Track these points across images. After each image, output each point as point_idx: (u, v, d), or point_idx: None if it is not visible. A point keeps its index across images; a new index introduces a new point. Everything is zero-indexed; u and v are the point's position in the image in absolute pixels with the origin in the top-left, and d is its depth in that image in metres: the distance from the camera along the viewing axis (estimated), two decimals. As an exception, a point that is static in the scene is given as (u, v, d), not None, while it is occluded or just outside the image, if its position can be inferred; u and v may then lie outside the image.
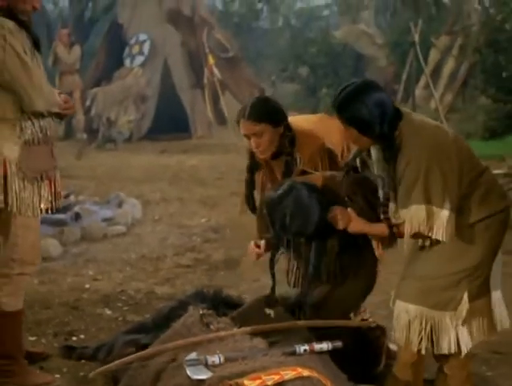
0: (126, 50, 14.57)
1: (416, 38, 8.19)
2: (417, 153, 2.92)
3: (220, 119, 14.63)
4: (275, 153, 3.60)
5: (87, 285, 5.17)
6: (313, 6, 28.63)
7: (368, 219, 3.18)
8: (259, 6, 26.03)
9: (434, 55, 12.97)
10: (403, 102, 11.09)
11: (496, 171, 6.67)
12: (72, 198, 7.18)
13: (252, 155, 3.76)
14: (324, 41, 18.18)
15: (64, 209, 6.87)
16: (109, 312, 4.62)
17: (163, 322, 3.78)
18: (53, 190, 3.57)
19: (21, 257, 3.53)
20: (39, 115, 3.45)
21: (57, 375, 3.67)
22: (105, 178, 9.61)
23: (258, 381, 2.73)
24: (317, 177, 3.43)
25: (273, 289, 3.56)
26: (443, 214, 2.89)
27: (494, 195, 3.05)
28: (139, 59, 14.45)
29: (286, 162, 3.64)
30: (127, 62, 14.54)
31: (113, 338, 3.90)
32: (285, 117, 3.63)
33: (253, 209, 3.83)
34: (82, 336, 4.18)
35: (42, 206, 3.53)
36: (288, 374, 2.79)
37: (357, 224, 3.17)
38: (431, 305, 2.97)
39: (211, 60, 14.66)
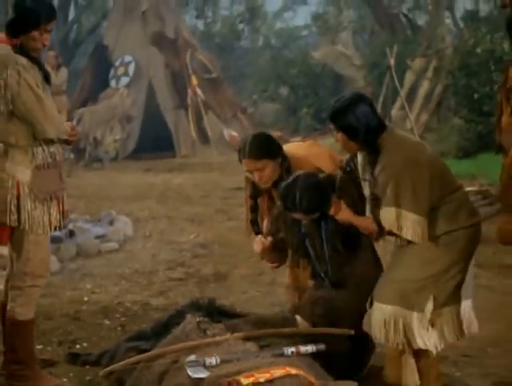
0: (112, 71, 14.99)
1: (392, 62, 8.62)
2: (392, 161, 3.37)
3: (204, 138, 15.01)
4: (275, 182, 4.00)
5: (85, 298, 5.48)
6: (292, 26, 29.27)
7: (357, 211, 3.62)
8: (240, 26, 26.51)
9: (409, 77, 13.45)
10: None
11: (468, 189, 7.09)
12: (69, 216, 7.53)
13: (253, 184, 4.16)
14: (304, 62, 18.64)
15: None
16: (108, 322, 4.95)
17: (161, 329, 4.11)
18: (61, 209, 3.94)
19: (32, 271, 3.85)
20: (49, 142, 3.83)
21: (65, 380, 4.01)
22: (94, 197, 9.93)
23: (251, 378, 3.07)
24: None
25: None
26: (411, 216, 3.31)
27: (464, 211, 3.44)
28: (124, 80, 14.86)
29: None
30: (113, 83, 14.95)
31: (115, 346, 4.21)
32: (281, 148, 4.04)
33: (257, 232, 4.24)
34: (85, 344, 4.49)
35: (51, 224, 3.91)
36: (278, 372, 3.13)
37: (345, 213, 3.61)
38: (403, 305, 3.37)
39: (194, 81, 15.09)
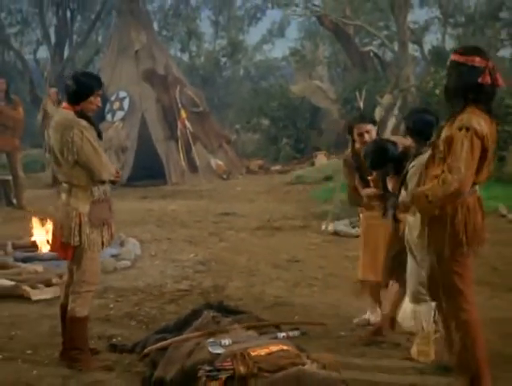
0: (108, 106, 15.90)
1: (361, 104, 9.91)
2: None
3: (192, 167, 15.96)
4: None
5: (111, 305, 6.63)
6: (271, 58, 30.64)
7: None
8: (223, 60, 27.75)
9: (379, 112, 14.72)
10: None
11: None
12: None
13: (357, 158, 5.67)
14: (283, 96, 19.77)
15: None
16: (133, 323, 6.13)
17: (182, 324, 5.36)
18: (110, 232, 5.23)
19: (88, 280, 5.09)
20: (102, 182, 5.11)
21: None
22: None
23: (256, 352, 4.36)
24: None
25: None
26: None
27: None
28: (120, 114, 15.84)
29: None
30: (109, 116, 15.92)
31: (145, 338, 5.45)
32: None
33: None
34: (119, 338, 5.69)
35: (103, 244, 5.19)
36: (274, 348, 4.40)
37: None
38: None
39: (183, 114, 16.06)
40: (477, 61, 4.14)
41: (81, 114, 5.05)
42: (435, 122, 5.00)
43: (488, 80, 4.14)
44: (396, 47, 16.29)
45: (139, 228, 10.39)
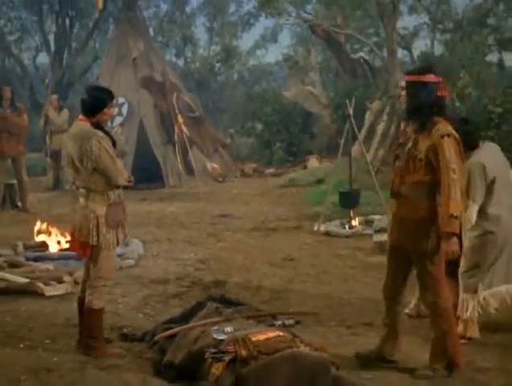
0: None
1: (351, 111, 10.42)
2: None
3: (189, 170, 16.43)
4: None
5: (119, 300, 7.13)
6: (264, 62, 31.15)
7: None
8: (217, 65, 28.27)
9: (368, 117, 15.30)
10: (345, 154, 13.31)
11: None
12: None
13: None
14: (276, 101, 20.28)
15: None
16: (141, 315, 6.65)
17: (187, 315, 5.89)
18: (123, 233, 5.77)
19: (104, 275, 5.59)
20: (118, 187, 5.65)
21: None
22: None
23: (255, 337, 4.90)
24: None
25: None
26: None
27: None
28: (119, 120, 16.23)
29: None
30: (108, 122, 16.39)
31: (153, 328, 5.96)
32: None
33: None
34: (129, 329, 6.22)
35: (118, 243, 5.73)
36: (272, 334, 4.95)
37: None
38: None
39: (180, 120, 16.56)
40: (432, 78, 4.78)
41: (97, 125, 5.58)
42: (475, 130, 5.65)
43: (445, 93, 4.79)
44: (385, 53, 16.81)
45: (140, 229, 10.84)
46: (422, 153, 4.77)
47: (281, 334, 4.95)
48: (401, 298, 5.19)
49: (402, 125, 5.25)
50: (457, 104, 12.50)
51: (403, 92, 4.97)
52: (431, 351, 5.01)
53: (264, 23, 27.99)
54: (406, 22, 26.21)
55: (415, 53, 23.99)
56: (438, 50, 23.63)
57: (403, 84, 5.01)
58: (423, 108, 4.80)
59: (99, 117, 5.58)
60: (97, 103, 5.55)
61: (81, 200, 5.58)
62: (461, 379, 4.97)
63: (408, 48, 24.28)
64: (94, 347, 5.59)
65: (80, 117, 5.63)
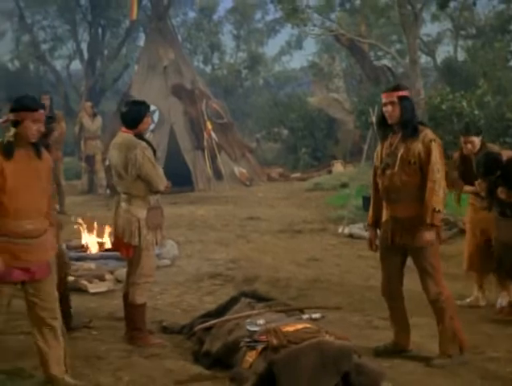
0: None
1: (374, 119, 10.88)
2: None
3: (218, 175, 16.92)
4: None
5: (158, 297, 7.73)
6: (289, 68, 31.61)
7: None
8: (244, 72, 28.81)
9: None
10: (369, 159, 13.73)
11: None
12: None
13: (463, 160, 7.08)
14: (301, 108, 20.73)
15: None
16: (178, 310, 7.21)
17: (222, 310, 6.42)
18: (161, 234, 6.34)
19: (145, 273, 6.14)
20: (157, 192, 6.22)
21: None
22: None
23: (285, 328, 5.43)
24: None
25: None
26: None
27: None
28: (150, 126, 16.89)
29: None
30: None
31: (190, 321, 6.50)
32: None
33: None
34: (169, 322, 6.82)
35: (157, 243, 6.30)
36: (300, 326, 5.47)
37: None
38: None
39: (209, 126, 17.02)
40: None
41: (139, 136, 6.14)
42: None
43: None
44: (407, 60, 17.26)
45: (174, 231, 11.31)
46: (415, 157, 5.38)
47: (308, 325, 5.45)
48: (400, 294, 5.74)
49: (379, 146, 5.78)
50: (476, 112, 12.95)
51: (390, 108, 5.45)
52: (442, 339, 5.53)
53: (289, 30, 28.43)
54: (430, 28, 26.62)
55: (439, 59, 24.37)
56: (461, 56, 24.03)
57: (393, 99, 5.45)
58: (413, 118, 5.48)
59: (140, 127, 6.12)
60: (136, 115, 6.08)
61: (123, 205, 6.06)
62: (472, 367, 5.48)
63: (431, 54, 24.66)
64: (138, 338, 6.12)
65: (123, 129, 6.14)
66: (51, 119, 5.58)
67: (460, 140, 7.16)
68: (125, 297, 6.29)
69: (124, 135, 6.14)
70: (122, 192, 6.15)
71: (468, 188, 7.12)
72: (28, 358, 5.38)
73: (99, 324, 6.73)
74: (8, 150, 4.58)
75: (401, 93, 5.48)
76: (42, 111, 4.76)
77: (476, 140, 7.00)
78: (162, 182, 6.11)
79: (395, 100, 5.42)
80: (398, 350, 5.78)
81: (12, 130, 4.65)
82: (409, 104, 5.47)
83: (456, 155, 7.36)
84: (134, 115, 6.08)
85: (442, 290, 5.50)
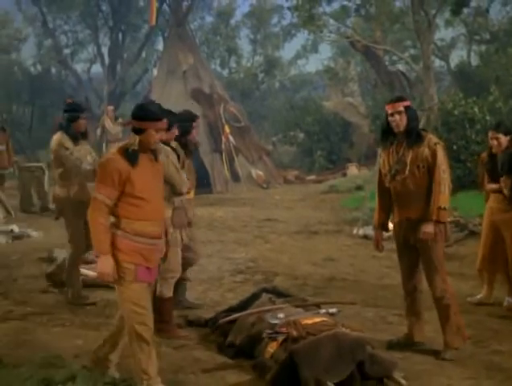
0: None
1: None
2: None
3: (235, 177, 17.41)
4: None
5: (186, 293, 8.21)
6: (305, 72, 31.95)
7: None
8: (260, 75, 29.22)
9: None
10: None
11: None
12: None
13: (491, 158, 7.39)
14: (317, 111, 21.11)
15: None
16: (203, 302, 7.70)
17: (244, 304, 6.82)
18: (186, 232, 6.78)
19: (172, 268, 6.56)
20: (181, 194, 6.65)
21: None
22: None
23: (304, 321, 5.85)
24: None
25: None
26: None
27: None
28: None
29: None
30: None
31: (214, 315, 6.87)
32: None
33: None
34: (194, 316, 7.22)
35: (182, 241, 6.74)
36: (317, 319, 5.88)
37: None
38: None
39: (227, 129, 17.54)
40: None
41: (164, 143, 6.52)
42: None
43: None
44: (421, 65, 17.61)
45: (194, 232, 11.83)
46: (423, 161, 5.79)
47: (325, 319, 5.87)
48: (416, 288, 6.13)
49: (383, 154, 6.18)
50: (488, 117, 13.29)
51: (397, 117, 5.82)
52: (447, 333, 5.93)
53: (305, 34, 28.82)
54: (444, 33, 26.92)
55: (452, 64, 24.64)
56: (474, 61, 24.30)
57: (400, 109, 5.81)
58: (417, 126, 5.91)
59: (169, 136, 6.56)
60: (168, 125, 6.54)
61: None
62: (478, 360, 5.87)
63: (445, 59, 24.93)
64: (166, 330, 6.52)
65: None
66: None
67: (489, 135, 7.45)
68: (152, 292, 6.70)
69: None
70: None
71: (492, 186, 7.43)
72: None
73: (127, 317, 7.16)
74: (134, 158, 4.75)
75: (406, 103, 5.89)
76: (165, 120, 4.92)
77: (503, 138, 7.24)
78: (184, 185, 6.51)
79: (402, 109, 5.81)
80: (410, 343, 6.18)
81: (135, 137, 4.80)
82: (414, 113, 5.89)
83: (483, 155, 7.71)
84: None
85: (447, 287, 5.91)
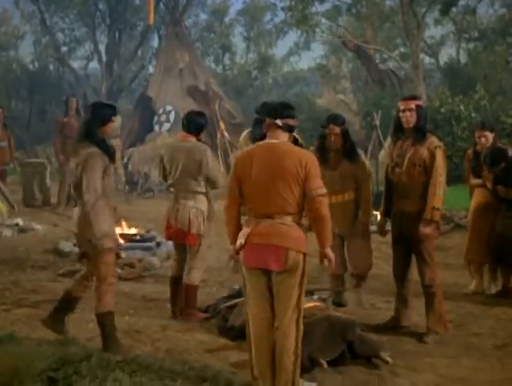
0: (155, 118, 17.70)
1: (377, 122, 11.72)
2: None
3: (229, 172, 17.76)
4: None
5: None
6: (297, 69, 32.23)
7: None
8: (254, 73, 29.56)
9: (394, 126, 16.31)
10: (373, 158, 14.47)
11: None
12: (152, 232, 10.81)
13: (476, 155, 7.96)
14: (310, 109, 21.44)
15: (149, 239, 10.51)
16: (202, 293, 8.14)
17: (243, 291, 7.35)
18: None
19: (203, 257, 7.07)
20: (215, 189, 7.11)
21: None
22: (156, 220, 13.01)
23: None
24: None
25: None
26: None
27: None
28: (166, 126, 17.60)
29: None
30: (156, 128, 17.72)
31: (215, 301, 7.30)
32: None
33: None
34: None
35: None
36: (311, 304, 6.29)
37: None
38: None
39: (222, 125, 17.83)
40: None
41: (198, 139, 7.01)
42: None
43: None
44: (411, 63, 18.02)
45: (192, 225, 12.25)
46: (420, 161, 6.19)
47: (318, 304, 6.37)
48: (406, 276, 6.63)
49: (392, 146, 6.67)
50: (473, 114, 13.78)
51: (408, 114, 6.20)
52: (431, 318, 6.44)
53: (297, 32, 29.20)
54: (433, 31, 27.31)
55: (442, 61, 25.02)
56: (463, 58, 24.72)
57: (411, 106, 6.16)
58: (425, 125, 6.31)
59: (201, 136, 7.04)
60: (200, 125, 7.00)
61: (189, 202, 6.92)
62: (458, 341, 6.40)
63: (435, 56, 25.31)
64: (194, 315, 6.97)
65: (185, 134, 7.01)
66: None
67: (475, 134, 7.84)
68: (176, 280, 7.16)
69: (191, 140, 6.97)
70: (186, 190, 6.94)
71: (476, 181, 7.90)
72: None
73: (134, 304, 7.57)
74: None
75: (418, 102, 6.30)
76: None
77: (490, 135, 7.72)
78: (221, 181, 6.98)
79: (413, 107, 6.18)
80: (396, 325, 6.69)
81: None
82: (424, 112, 6.28)
83: (469, 151, 8.16)
84: (199, 125, 6.96)
85: (435, 277, 6.40)
